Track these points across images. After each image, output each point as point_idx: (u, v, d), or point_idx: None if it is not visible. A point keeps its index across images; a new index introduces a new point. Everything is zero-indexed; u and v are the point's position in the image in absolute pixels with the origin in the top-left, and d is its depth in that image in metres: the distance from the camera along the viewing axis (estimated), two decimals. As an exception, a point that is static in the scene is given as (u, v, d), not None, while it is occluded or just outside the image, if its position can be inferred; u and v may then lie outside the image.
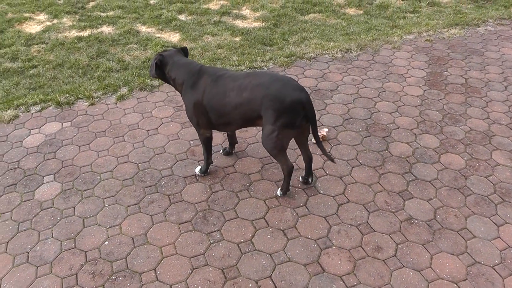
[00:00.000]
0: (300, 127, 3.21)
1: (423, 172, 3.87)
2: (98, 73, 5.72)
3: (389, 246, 3.18)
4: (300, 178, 3.74)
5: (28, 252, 3.20)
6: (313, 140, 4.17)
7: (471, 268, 3.01)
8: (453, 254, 3.11)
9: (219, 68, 3.47)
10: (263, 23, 7.42)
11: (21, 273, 3.04)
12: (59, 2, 8.56)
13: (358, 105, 4.86)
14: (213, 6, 8.32)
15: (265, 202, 3.58)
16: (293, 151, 4.05)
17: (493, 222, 3.37)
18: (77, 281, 2.97)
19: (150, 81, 5.39)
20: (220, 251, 3.16)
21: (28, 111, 4.87)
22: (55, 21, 7.63)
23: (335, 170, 3.90)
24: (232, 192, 3.69)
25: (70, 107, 4.94)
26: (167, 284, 2.93)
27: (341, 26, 7.22)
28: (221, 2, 8.49)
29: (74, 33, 7.07)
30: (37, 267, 3.08)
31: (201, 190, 3.71)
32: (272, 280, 2.94)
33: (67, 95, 5.12)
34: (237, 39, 6.78)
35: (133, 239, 3.27)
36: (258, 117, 3.22)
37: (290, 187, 3.61)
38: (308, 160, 3.62)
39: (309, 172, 3.68)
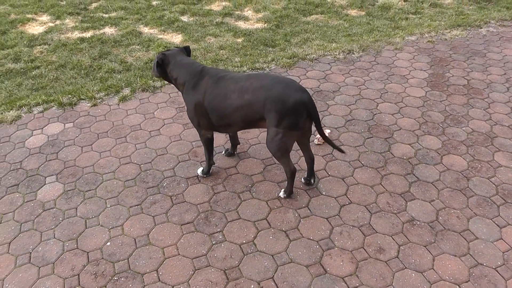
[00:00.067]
0: (304, 128, 3.21)
1: (425, 174, 3.87)
2: (100, 74, 5.73)
3: (391, 247, 3.18)
4: (302, 179, 3.74)
5: (30, 253, 3.20)
6: (315, 142, 4.21)
7: (473, 270, 3.00)
8: (455, 256, 3.11)
9: (220, 69, 3.47)
10: (265, 24, 7.42)
11: (23, 273, 3.05)
12: (62, 3, 8.58)
13: (360, 106, 4.86)
14: (215, 7, 8.33)
15: (267, 203, 3.58)
16: (295, 152, 4.05)
17: (496, 224, 3.36)
18: (79, 281, 2.98)
19: (153, 82, 5.40)
20: (222, 252, 3.16)
21: (30, 112, 4.88)
22: (57, 22, 7.65)
23: (337, 171, 3.90)
24: (234, 193, 3.69)
25: (73, 108, 4.94)
26: (169, 285, 2.93)
27: (343, 27, 7.23)
28: (224, 3, 8.50)
29: (76, 34, 7.09)
30: (39, 267, 3.09)
31: (203, 191, 3.71)
32: (274, 281, 2.94)
33: (70, 96, 5.13)
34: (239, 40, 6.78)
35: (135, 240, 3.28)
36: (260, 119, 3.22)
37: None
38: (310, 161, 3.62)
39: (311, 173, 3.68)
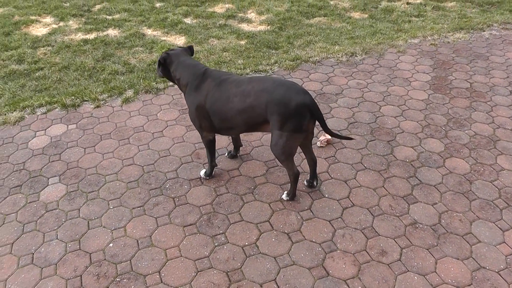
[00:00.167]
0: (307, 130, 3.21)
1: (428, 176, 3.87)
2: (103, 75, 5.75)
3: (394, 250, 3.17)
4: (305, 182, 3.74)
5: (33, 254, 3.21)
6: (318, 144, 4.21)
7: (476, 273, 3.00)
8: (458, 259, 3.10)
9: (223, 72, 3.47)
10: (269, 27, 7.43)
11: (25, 274, 3.06)
12: (66, 5, 8.61)
13: (363, 109, 4.86)
14: (218, 9, 8.35)
15: (269, 205, 3.58)
16: (297, 154, 4.05)
17: (498, 227, 3.36)
18: (81, 282, 2.98)
19: (156, 84, 5.41)
20: (225, 254, 3.16)
21: (33, 113, 4.90)
22: (61, 24, 7.68)
23: (340, 174, 3.90)
24: (236, 195, 3.69)
25: (76, 110, 4.96)
26: (171, 286, 2.93)
27: (346, 30, 7.23)
28: (227, 5, 8.52)
29: (80, 36, 7.11)
30: (42, 268, 3.09)
31: (206, 193, 3.72)
32: (276, 283, 2.94)
33: (73, 97, 5.14)
34: (242, 42, 6.79)
35: (137, 241, 3.28)
36: (263, 122, 3.22)
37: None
38: (313, 163, 3.62)
39: (313, 175, 3.68)
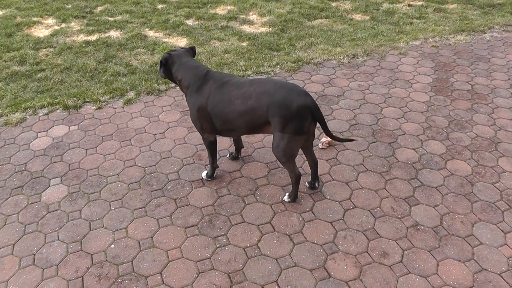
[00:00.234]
0: (308, 132, 3.21)
1: (429, 178, 3.87)
2: (105, 77, 5.75)
3: (395, 252, 3.17)
4: (307, 183, 3.74)
5: (34, 254, 3.21)
6: (320, 146, 4.21)
7: (477, 275, 3.00)
8: (459, 261, 3.10)
9: (225, 73, 3.47)
10: (270, 28, 7.44)
11: (27, 275, 3.06)
12: (68, 6, 8.63)
13: (364, 111, 4.86)
14: (220, 11, 8.36)
15: (271, 206, 3.58)
16: (299, 156, 4.04)
17: (500, 229, 3.36)
18: (83, 283, 2.98)
19: (157, 85, 5.42)
20: (226, 255, 3.16)
21: (35, 114, 4.90)
22: (63, 25, 7.69)
23: (342, 175, 3.90)
24: (238, 196, 3.70)
25: (78, 111, 4.96)
26: (173, 287, 2.94)
27: (348, 32, 7.24)
28: (229, 7, 8.53)
29: (82, 37, 7.13)
30: (43, 269, 3.10)
31: (208, 195, 3.72)
32: (278, 285, 2.94)
33: (75, 98, 5.15)
34: (244, 44, 6.80)
35: (139, 242, 3.28)
36: (264, 124, 3.22)
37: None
38: (314, 165, 3.63)
39: (315, 177, 3.68)
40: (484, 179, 3.86)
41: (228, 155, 4.13)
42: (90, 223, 3.47)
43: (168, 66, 3.55)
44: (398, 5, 8.49)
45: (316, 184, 3.71)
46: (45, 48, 6.75)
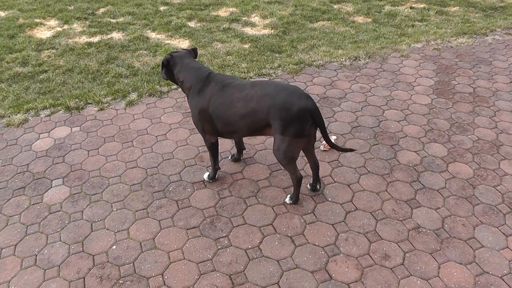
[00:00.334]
0: (309, 134, 3.21)
1: (431, 181, 3.87)
2: (107, 78, 5.76)
3: (397, 254, 3.17)
4: (308, 185, 3.74)
5: (36, 255, 3.22)
6: (321, 148, 4.21)
7: (479, 278, 2.99)
8: (461, 264, 3.10)
9: (227, 75, 3.47)
10: (272, 30, 7.45)
11: (29, 275, 3.06)
12: (70, 8, 8.65)
13: (366, 113, 4.86)
14: (222, 13, 8.37)
15: (273, 208, 3.58)
16: (300, 158, 4.05)
17: (502, 232, 3.35)
18: (84, 284, 2.98)
19: (160, 87, 5.43)
20: (228, 257, 3.16)
21: (37, 115, 4.91)
22: (65, 27, 7.71)
23: (343, 177, 3.90)
24: (240, 198, 3.70)
25: (80, 112, 4.97)
26: (174, 289, 2.94)
27: (350, 34, 7.24)
28: (231, 9, 8.54)
29: (84, 39, 7.14)
30: (45, 270, 3.10)
31: (209, 196, 3.72)
32: (279, 286, 2.94)
33: (77, 100, 5.16)
34: (246, 46, 6.81)
35: (141, 243, 3.29)
36: (265, 126, 3.22)
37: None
38: (315, 167, 3.63)
39: (316, 179, 3.68)
40: (485, 182, 3.86)
41: (229, 157, 4.14)
42: (92, 224, 3.47)
43: (170, 67, 3.55)
44: (400, 8, 8.49)
45: (318, 186, 3.71)
46: (48, 49, 6.76)
